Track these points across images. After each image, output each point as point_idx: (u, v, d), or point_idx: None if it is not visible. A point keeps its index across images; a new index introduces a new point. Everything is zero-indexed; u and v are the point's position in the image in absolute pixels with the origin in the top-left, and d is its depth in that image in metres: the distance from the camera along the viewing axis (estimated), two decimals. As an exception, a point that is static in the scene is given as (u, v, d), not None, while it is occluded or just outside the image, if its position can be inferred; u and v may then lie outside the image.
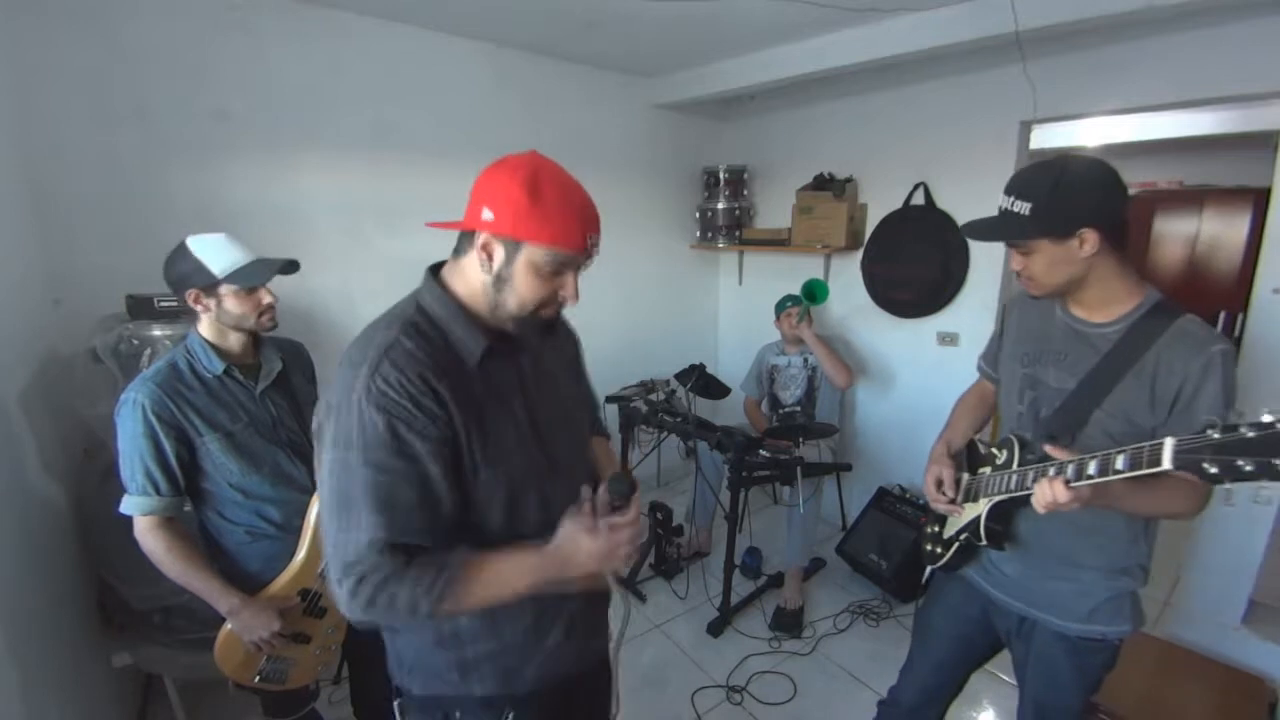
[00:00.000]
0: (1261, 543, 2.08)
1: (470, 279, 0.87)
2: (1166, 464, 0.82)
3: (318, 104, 2.31)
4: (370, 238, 2.52)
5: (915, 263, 2.89)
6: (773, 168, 3.50)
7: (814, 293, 2.96)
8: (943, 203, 2.81)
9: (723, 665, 2.32)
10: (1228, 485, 0.77)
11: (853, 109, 3.08)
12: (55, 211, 1.86)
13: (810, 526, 2.69)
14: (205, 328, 1.36)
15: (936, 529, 1.40)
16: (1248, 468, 0.73)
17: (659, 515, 2.80)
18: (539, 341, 0.95)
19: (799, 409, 2.96)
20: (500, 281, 0.84)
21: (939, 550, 1.35)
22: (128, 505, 1.27)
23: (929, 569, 1.42)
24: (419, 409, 0.78)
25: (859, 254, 3.12)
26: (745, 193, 3.55)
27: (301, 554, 1.40)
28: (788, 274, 3.50)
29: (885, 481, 3.07)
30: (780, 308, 2.96)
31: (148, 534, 1.28)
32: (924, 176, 2.84)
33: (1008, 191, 1.09)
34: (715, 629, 2.50)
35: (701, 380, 3.04)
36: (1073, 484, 0.95)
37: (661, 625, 2.55)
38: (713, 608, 2.59)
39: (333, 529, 0.78)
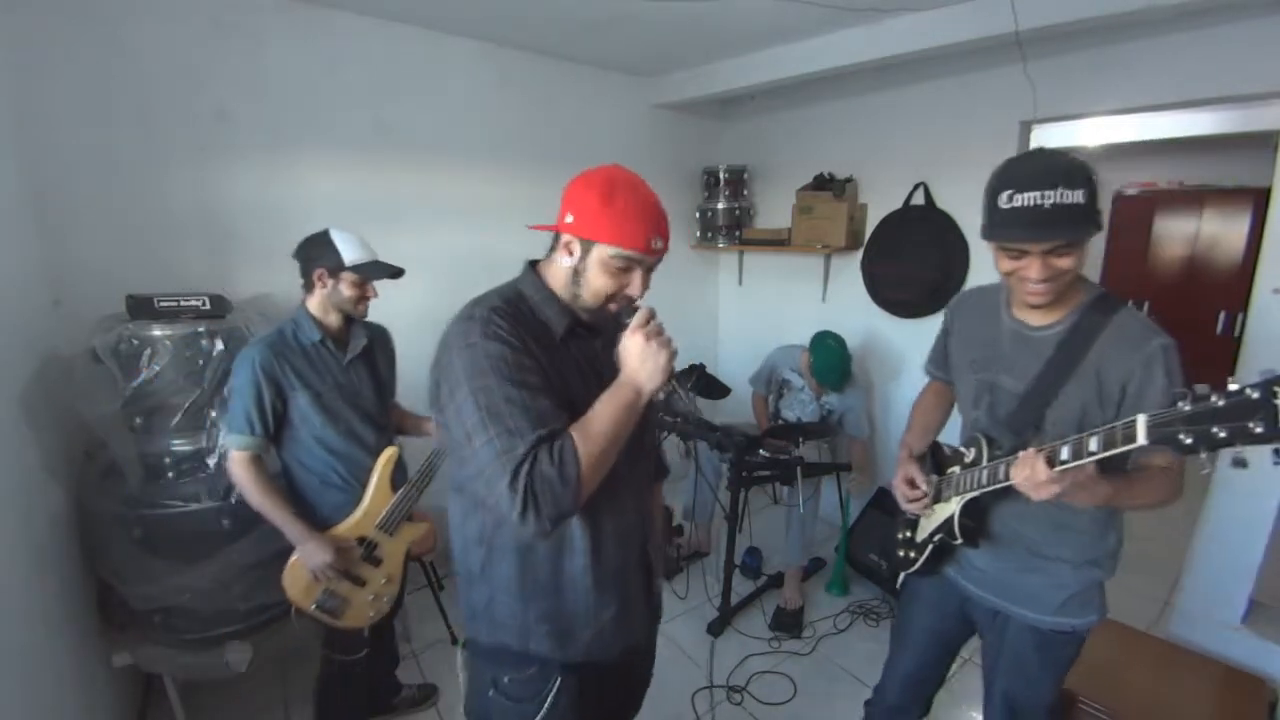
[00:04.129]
0: (1261, 543, 2.08)
1: (556, 271, 1.02)
2: (1141, 439, 0.82)
3: (317, 104, 2.31)
4: (370, 237, 2.51)
5: (915, 263, 2.89)
6: (773, 168, 3.49)
7: (829, 367, 2.66)
8: (943, 203, 2.81)
9: (723, 665, 2.32)
10: (1203, 455, 0.76)
11: (853, 109, 3.08)
12: (55, 211, 1.86)
13: (810, 526, 2.68)
14: (314, 303, 1.63)
15: (908, 534, 1.39)
16: (1221, 434, 0.73)
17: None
18: (615, 334, 1.04)
19: None
20: (577, 275, 0.99)
21: (912, 555, 1.35)
22: (226, 440, 1.54)
23: (902, 575, 1.42)
24: (526, 350, 0.92)
25: (859, 254, 3.12)
26: (745, 193, 3.55)
27: (363, 506, 1.66)
28: (788, 274, 3.50)
29: (885, 481, 3.07)
30: (813, 352, 2.71)
31: (239, 466, 1.53)
32: (924, 176, 2.84)
33: (1046, 185, 0.96)
34: (715, 629, 2.50)
35: (701, 380, 3.03)
36: (1055, 467, 0.93)
37: (661, 625, 2.54)
38: (713, 608, 2.59)
39: (488, 449, 0.86)
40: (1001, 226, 1.03)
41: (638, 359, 0.96)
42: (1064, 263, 1.01)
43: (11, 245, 1.62)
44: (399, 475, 1.74)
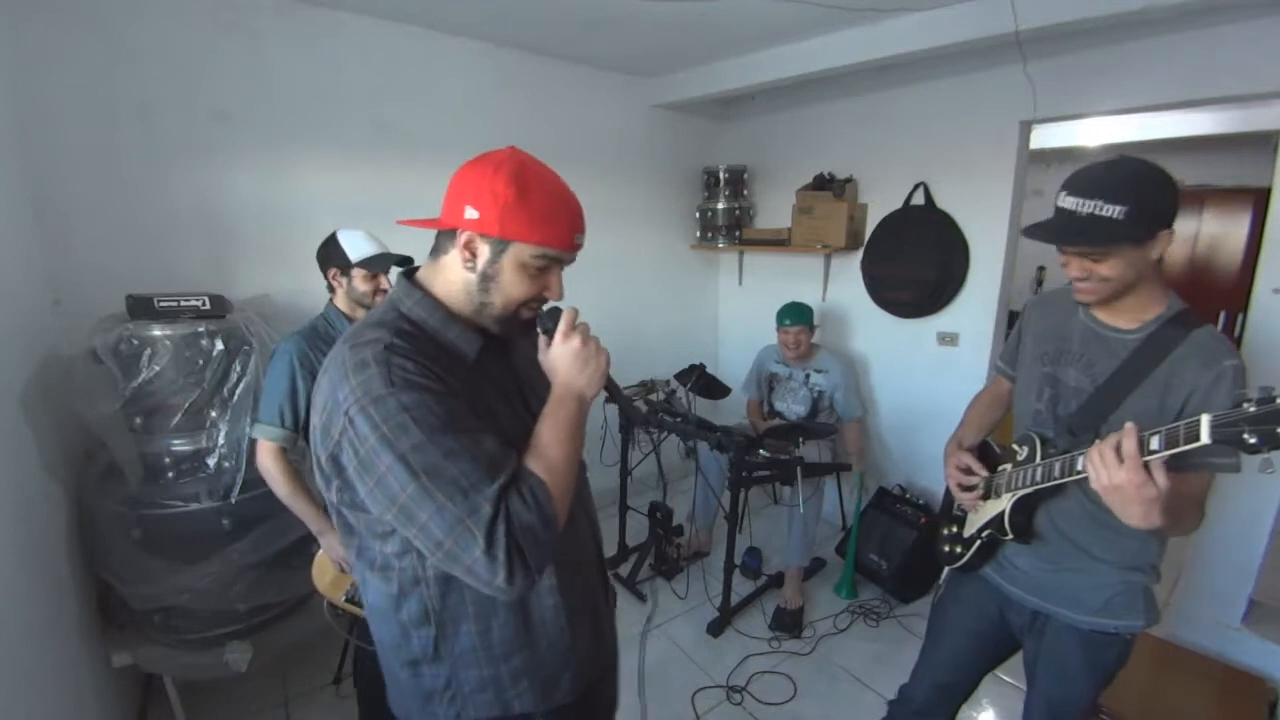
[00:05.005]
0: (1261, 543, 2.08)
1: (451, 279, 0.86)
2: (1205, 438, 0.82)
3: (318, 104, 2.31)
4: (370, 238, 2.51)
5: (915, 263, 2.89)
6: (773, 168, 3.49)
7: (798, 312, 2.86)
8: (943, 203, 2.81)
9: (723, 665, 2.32)
10: (1266, 454, 0.78)
11: (853, 109, 3.08)
12: (55, 211, 1.86)
13: (811, 526, 2.69)
14: (340, 300, 1.71)
15: (955, 529, 1.38)
16: None
17: (659, 515, 2.80)
18: (525, 340, 0.94)
19: None
20: (485, 280, 0.83)
21: (959, 550, 1.34)
22: (257, 430, 1.55)
23: (946, 570, 1.41)
24: (443, 384, 0.77)
25: (859, 254, 3.12)
26: (745, 193, 3.55)
27: None
28: (788, 274, 3.50)
29: (885, 481, 3.07)
30: (779, 322, 2.88)
31: (267, 456, 1.54)
32: (924, 176, 2.84)
33: (1086, 194, 1.01)
34: (715, 629, 2.50)
35: (701, 380, 3.04)
36: (1143, 456, 0.90)
37: (661, 625, 2.54)
38: (713, 608, 2.59)
39: (444, 517, 0.72)
40: (1042, 224, 1.07)
41: (575, 365, 0.85)
42: (1102, 269, 1.04)
43: (11, 244, 1.61)
44: None
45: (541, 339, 0.90)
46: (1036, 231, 1.08)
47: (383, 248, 1.70)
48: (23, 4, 1.76)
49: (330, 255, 1.67)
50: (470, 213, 0.81)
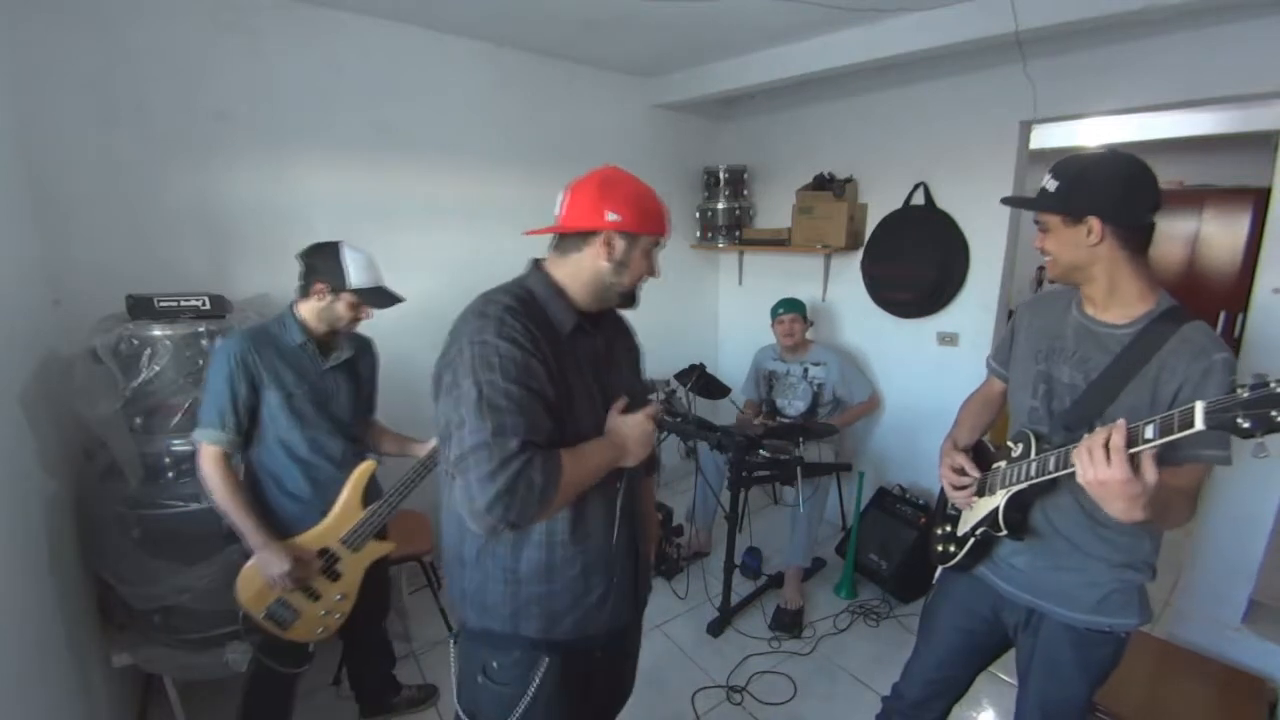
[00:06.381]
0: (1261, 543, 2.08)
1: (579, 269, 1.08)
2: (1199, 424, 0.83)
3: (317, 104, 2.31)
4: (370, 237, 2.50)
5: (915, 263, 2.89)
6: (773, 168, 3.49)
7: (790, 301, 2.96)
8: (943, 203, 2.81)
9: (723, 665, 2.32)
10: (1260, 438, 0.80)
11: (853, 109, 3.08)
12: (55, 212, 1.86)
13: (812, 526, 2.69)
14: (306, 309, 1.60)
15: (949, 528, 1.39)
16: None
17: (659, 515, 2.80)
18: (613, 333, 1.21)
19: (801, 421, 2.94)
20: (620, 266, 1.08)
21: (952, 549, 1.35)
22: (198, 434, 1.50)
23: (940, 569, 1.42)
24: (537, 350, 0.97)
25: (859, 254, 3.12)
26: (745, 193, 3.55)
27: (330, 517, 1.62)
28: (788, 274, 3.50)
29: (885, 481, 3.07)
30: (774, 314, 2.95)
31: (208, 461, 1.49)
32: (924, 176, 2.84)
33: (1050, 170, 1.15)
34: (715, 629, 2.50)
35: (701, 380, 3.04)
36: (1128, 450, 0.90)
37: (661, 625, 2.55)
38: (713, 608, 2.59)
39: (479, 435, 0.90)
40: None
41: (639, 440, 1.09)
42: (1047, 243, 1.16)
43: (11, 245, 1.61)
44: (372, 491, 1.69)
45: (617, 405, 1.12)
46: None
47: (380, 279, 1.64)
48: (23, 4, 1.76)
49: (326, 268, 1.56)
50: (612, 216, 1.05)
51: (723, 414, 3.34)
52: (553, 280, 1.09)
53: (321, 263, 1.56)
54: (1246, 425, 0.79)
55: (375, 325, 1.71)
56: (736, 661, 2.33)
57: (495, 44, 2.71)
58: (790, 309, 2.92)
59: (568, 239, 1.09)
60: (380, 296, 1.61)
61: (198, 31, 2.04)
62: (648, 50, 2.83)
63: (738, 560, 2.61)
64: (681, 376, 3.07)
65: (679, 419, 2.64)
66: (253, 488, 1.59)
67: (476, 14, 2.39)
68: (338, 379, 1.66)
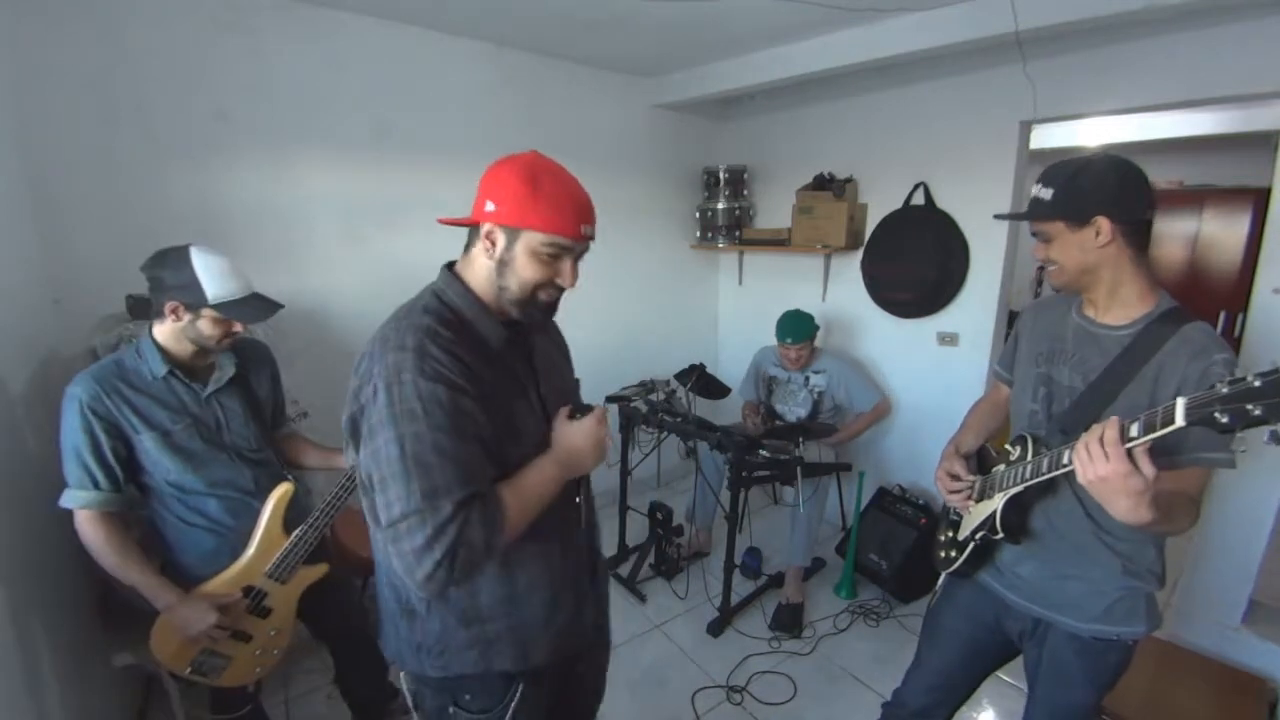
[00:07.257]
0: (1261, 543, 2.08)
1: (478, 270, 0.95)
2: (1180, 421, 0.83)
3: (317, 104, 2.31)
4: (370, 238, 2.52)
5: (915, 263, 2.89)
6: (773, 168, 3.49)
7: (799, 328, 2.81)
8: (943, 203, 2.81)
9: (723, 665, 2.32)
10: (1239, 433, 0.79)
11: (853, 109, 3.08)
12: (55, 211, 1.86)
13: (812, 526, 2.68)
14: (163, 333, 1.36)
15: (950, 534, 1.38)
16: (1256, 412, 0.76)
17: (659, 515, 2.80)
18: (540, 334, 1.07)
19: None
20: (502, 266, 0.93)
21: (953, 554, 1.34)
22: (65, 498, 1.29)
23: (942, 574, 1.41)
24: (468, 381, 0.86)
25: (859, 254, 3.12)
26: (745, 193, 3.55)
27: (250, 551, 1.44)
28: (788, 274, 3.50)
29: (885, 481, 3.07)
30: (780, 338, 2.83)
31: (85, 525, 1.30)
32: (924, 176, 2.84)
33: (1038, 181, 1.14)
34: (715, 629, 2.50)
35: (701, 380, 3.04)
36: (1122, 444, 0.90)
37: (661, 625, 2.55)
38: (713, 608, 2.59)
39: (408, 502, 0.80)
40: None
41: (594, 448, 0.99)
42: (1051, 251, 1.13)
43: (11, 245, 1.62)
44: (294, 515, 1.50)
45: (563, 412, 1.02)
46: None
47: (249, 287, 1.36)
48: (23, 4, 1.76)
49: (176, 283, 1.28)
50: (490, 206, 0.91)
51: (723, 414, 3.34)
52: (470, 288, 0.95)
53: (170, 276, 1.28)
54: (1225, 420, 0.78)
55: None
56: (736, 661, 2.33)
57: (496, 44, 2.72)
58: (799, 338, 2.77)
59: (470, 233, 0.97)
60: (251, 308, 1.34)
61: (198, 32, 2.04)
62: (648, 50, 2.83)
63: (738, 560, 2.61)
64: (681, 376, 3.07)
65: (679, 419, 2.64)
66: (160, 536, 1.42)
67: (477, 14, 2.39)
68: (225, 403, 1.44)
